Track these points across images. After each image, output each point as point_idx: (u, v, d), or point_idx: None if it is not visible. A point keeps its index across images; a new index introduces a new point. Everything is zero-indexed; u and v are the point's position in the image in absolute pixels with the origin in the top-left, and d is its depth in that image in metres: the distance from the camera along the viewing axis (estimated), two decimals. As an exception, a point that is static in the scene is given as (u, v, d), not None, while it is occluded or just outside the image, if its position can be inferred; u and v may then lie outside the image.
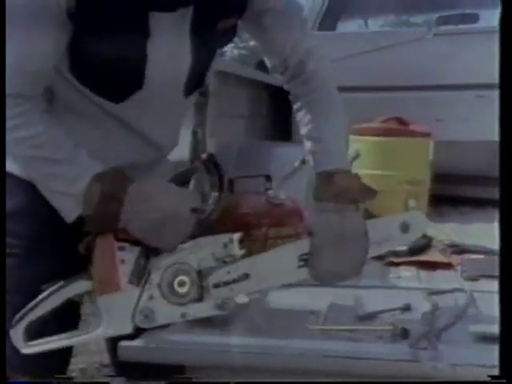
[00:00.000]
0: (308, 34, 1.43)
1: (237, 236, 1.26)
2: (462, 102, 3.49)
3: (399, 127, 3.21)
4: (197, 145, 2.29)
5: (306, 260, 1.28)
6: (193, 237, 1.24)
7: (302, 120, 1.38)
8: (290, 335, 1.27)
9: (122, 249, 1.20)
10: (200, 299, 1.25)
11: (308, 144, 1.36)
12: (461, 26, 4.04)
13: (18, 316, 1.19)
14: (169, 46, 1.18)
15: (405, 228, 1.35)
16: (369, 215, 2.45)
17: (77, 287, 1.21)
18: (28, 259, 1.29)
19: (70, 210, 1.18)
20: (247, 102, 3.23)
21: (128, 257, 1.20)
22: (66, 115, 1.25)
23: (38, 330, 1.21)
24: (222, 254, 1.24)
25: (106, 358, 1.65)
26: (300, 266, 1.28)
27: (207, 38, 1.23)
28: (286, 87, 1.44)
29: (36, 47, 1.14)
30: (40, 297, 1.19)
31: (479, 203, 3.34)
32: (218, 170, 1.28)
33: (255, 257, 1.28)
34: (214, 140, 2.42)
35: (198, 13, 1.18)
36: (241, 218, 1.66)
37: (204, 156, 1.28)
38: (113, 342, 1.34)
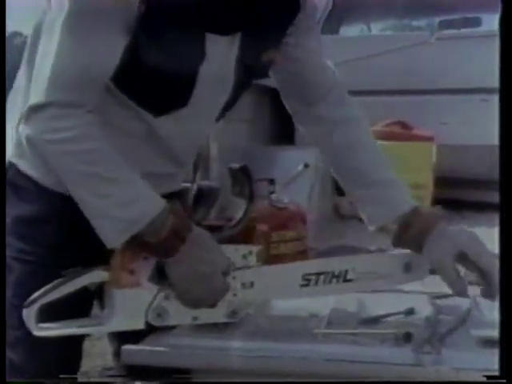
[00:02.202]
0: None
1: (256, 249, 1.27)
2: (465, 105, 3.49)
3: (402, 131, 3.22)
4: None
5: (309, 280, 1.29)
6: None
7: (347, 157, 1.37)
8: (294, 339, 1.27)
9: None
10: (212, 305, 1.25)
11: (371, 188, 1.35)
12: (463, 30, 4.05)
13: (32, 297, 1.18)
14: (218, 69, 1.20)
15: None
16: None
17: (94, 276, 1.21)
18: (43, 267, 1.29)
19: (116, 234, 1.13)
20: (250, 106, 3.23)
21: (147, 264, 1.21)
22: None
23: (50, 313, 1.21)
24: (240, 264, 1.26)
25: (108, 361, 1.65)
26: (302, 285, 1.29)
27: (249, 66, 1.24)
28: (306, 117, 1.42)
29: (103, 51, 1.09)
30: (56, 281, 1.19)
31: (482, 207, 3.34)
32: (249, 182, 1.29)
33: (262, 267, 1.29)
34: (217, 144, 2.42)
35: (246, 40, 1.20)
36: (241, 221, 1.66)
37: (236, 166, 1.29)
38: (118, 344, 1.34)
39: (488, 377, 1.06)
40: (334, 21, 3.84)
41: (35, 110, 1.09)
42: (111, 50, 1.10)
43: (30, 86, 1.20)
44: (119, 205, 1.10)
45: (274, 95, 3.48)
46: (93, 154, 1.09)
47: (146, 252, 1.17)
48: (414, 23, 6.70)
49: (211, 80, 1.19)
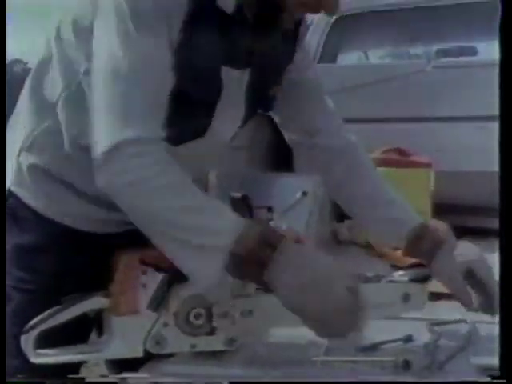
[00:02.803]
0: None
1: None
2: (462, 133, 3.52)
3: (400, 158, 3.23)
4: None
5: None
6: None
7: (355, 184, 1.39)
8: (292, 367, 1.26)
9: (144, 273, 1.21)
10: (211, 333, 1.25)
11: (377, 211, 1.37)
12: (460, 59, 4.09)
13: (30, 324, 1.18)
14: (232, 101, 1.22)
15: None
16: (370, 245, 2.46)
17: (93, 303, 1.21)
18: (42, 295, 1.28)
19: (213, 265, 1.08)
20: (248, 133, 3.25)
21: (150, 282, 1.21)
22: None
23: (48, 340, 1.20)
24: (240, 292, 1.26)
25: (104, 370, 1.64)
26: None
27: (257, 100, 1.27)
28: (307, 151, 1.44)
29: (164, 77, 1.09)
30: (55, 308, 1.19)
31: (481, 233, 3.34)
32: (249, 212, 1.30)
33: (261, 295, 1.29)
34: (216, 171, 2.43)
35: (254, 76, 1.22)
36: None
37: (237, 195, 1.29)
38: (116, 371, 1.33)
39: (488, 377, 1.06)
40: (331, 49, 3.88)
41: (110, 153, 1.05)
42: (169, 74, 1.10)
43: (32, 115, 1.21)
44: (214, 235, 1.07)
45: (271, 122, 3.52)
46: (177, 187, 1.07)
47: (245, 279, 1.13)
48: (412, 51, 6.76)
49: (227, 110, 1.22)
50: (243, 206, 1.30)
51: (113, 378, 1.31)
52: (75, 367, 1.32)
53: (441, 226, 1.38)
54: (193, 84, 1.13)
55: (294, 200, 2.64)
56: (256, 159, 3.37)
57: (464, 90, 3.46)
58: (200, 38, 1.10)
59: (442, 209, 3.38)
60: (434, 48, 5.11)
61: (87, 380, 1.30)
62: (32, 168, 1.24)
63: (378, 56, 6.39)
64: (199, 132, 1.21)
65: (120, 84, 1.05)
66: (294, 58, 1.32)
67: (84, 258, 1.23)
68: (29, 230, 1.27)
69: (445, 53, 4.61)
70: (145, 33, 1.05)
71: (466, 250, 1.34)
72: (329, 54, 3.87)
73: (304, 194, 2.86)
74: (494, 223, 3.72)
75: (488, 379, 1.13)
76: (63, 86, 1.20)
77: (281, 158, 3.57)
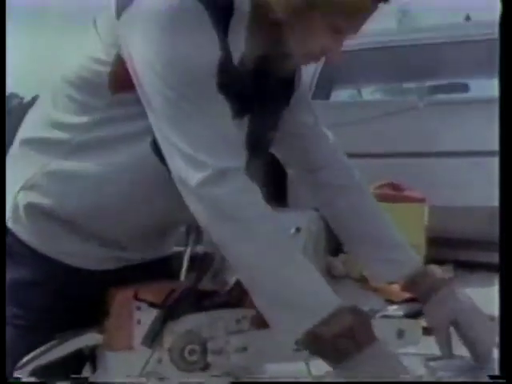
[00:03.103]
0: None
1: (250, 313, 1.27)
2: (456, 168, 3.55)
3: (394, 193, 3.26)
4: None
5: None
6: (206, 307, 1.24)
7: (356, 221, 1.40)
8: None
9: (139, 309, 1.21)
10: (205, 368, 1.25)
11: (379, 250, 1.37)
12: (452, 96, 4.15)
13: (24, 360, 1.17)
14: None
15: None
16: (365, 279, 2.46)
17: (88, 339, 1.20)
18: (36, 332, 1.28)
19: (294, 324, 1.07)
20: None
21: (144, 318, 1.20)
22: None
23: (42, 375, 1.19)
24: (234, 329, 1.26)
25: None
26: (296, 350, 1.28)
27: (255, 145, 1.29)
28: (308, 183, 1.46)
29: (226, 116, 1.12)
30: (50, 344, 1.18)
31: (475, 267, 3.36)
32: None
33: (255, 331, 1.29)
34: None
35: (252, 122, 1.24)
36: (236, 286, 1.66)
37: None
38: None
39: (488, 377, 1.05)
40: (325, 86, 3.92)
41: (210, 178, 1.07)
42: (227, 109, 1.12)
43: (39, 154, 1.21)
44: (305, 293, 1.06)
45: (265, 157, 3.54)
46: (272, 235, 1.07)
47: (318, 355, 1.10)
48: (405, 85, 6.84)
49: None
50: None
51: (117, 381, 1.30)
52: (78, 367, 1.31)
53: (439, 272, 1.39)
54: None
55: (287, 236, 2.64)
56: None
57: (456, 127, 3.50)
58: (208, 88, 1.10)
59: (435, 242, 3.39)
60: (427, 84, 5.18)
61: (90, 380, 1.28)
62: (29, 206, 1.25)
63: (370, 91, 6.46)
64: None
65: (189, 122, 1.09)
66: (290, 101, 1.34)
67: (78, 293, 1.22)
68: (23, 265, 1.27)
69: (436, 89, 4.67)
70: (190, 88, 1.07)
71: (457, 301, 1.35)
72: (322, 91, 3.91)
73: (297, 230, 2.87)
74: (487, 257, 3.74)
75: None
76: (74, 127, 1.21)
77: (275, 193, 3.59)
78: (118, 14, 1.12)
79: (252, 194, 1.12)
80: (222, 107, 1.11)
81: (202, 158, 1.07)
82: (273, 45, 1.14)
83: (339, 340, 1.05)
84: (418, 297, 1.35)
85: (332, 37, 1.11)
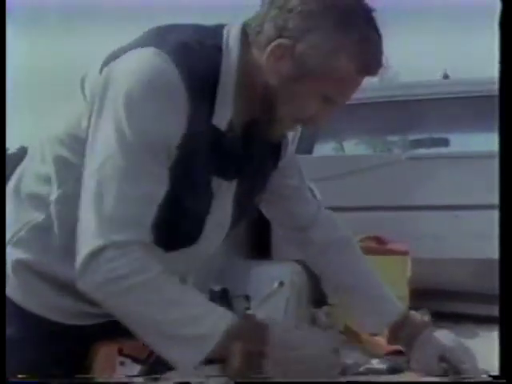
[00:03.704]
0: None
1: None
2: (438, 221, 3.59)
3: (377, 246, 3.28)
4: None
5: None
6: None
7: (338, 268, 1.44)
8: None
9: (123, 364, 1.20)
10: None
11: (364, 302, 1.41)
12: (433, 151, 4.22)
13: None
14: (221, 211, 1.26)
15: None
16: (349, 331, 2.46)
17: None
18: None
19: (192, 354, 1.09)
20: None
21: (128, 373, 1.20)
22: None
23: None
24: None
25: None
26: None
27: (242, 208, 1.31)
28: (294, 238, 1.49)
29: (155, 186, 1.12)
30: None
31: (459, 318, 3.36)
32: (228, 305, 1.30)
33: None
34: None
35: (241, 185, 1.27)
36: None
37: (217, 288, 1.30)
38: None
39: (488, 377, 1.05)
40: (307, 140, 3.98)
41: (93, 254, 1.08)
42: (161, 183, 1.13)
43: (21, 211, 1.21)
44: (188, 324, 1.08)
45: (253, 217, 3.55)
46: (154, 282, 1.08)
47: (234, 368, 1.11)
48: (388, 138, 6.94)
49: (218, 218, 1.25)
50: (223, 298, 1.31)
51: (120, 378, 1.28)
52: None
53: (418, 317, 1.41)
54: (186, 195, 1.16)
55: (271, 290, 2.65)
56: (234, 246, 3.39)
57: (437, 180, 3.55)
58: (195, 154, 1.14)
59: (419, 294, 3.40)
60: (409, 138, 5.25)
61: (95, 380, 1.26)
62: (15, 263, 1.25)
63: (353, 144, 6.54)
64: (192, 240, 1.24)
65: (112, 190, 1.09)
66: (278, 164, 1.37)
67: (63, 348, 1.22)
68: (10, 323, 1.26)
69: (418, 143, 4.75)
70: (144, 147, 1.08)
71: (442, 337, 1.37)
72: (305, 145, 3.95)
73: (281, 284, 2.87)
74: (471, 309, 3.75)
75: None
76: (58, 183, 1.22)
77: (259, 244, 3.59)
78: (101, 70, 1.15)
79: (141, 265, 1.10)
80: (153, 181, 1.11)
81: (103, 227, 1.08)
82: (262, 110, 1.16)
83: (248, 350, 1.08)
84: (403, 343, 1.37)
85: (321, 105, 1.14)
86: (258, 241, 3.61)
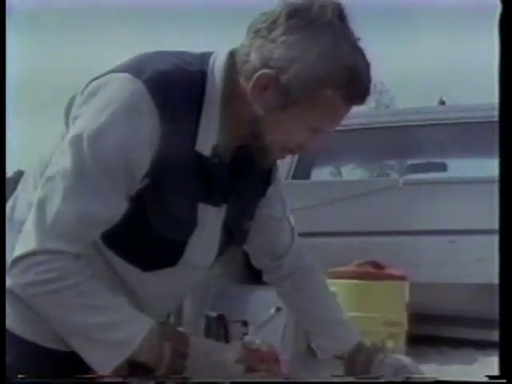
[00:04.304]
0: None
1: None
2: (435, 246, 3.59)
3: (374, 271, 3.27)
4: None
5: None
6: None
7: (306, 304, 1.47)
8: None
9: None
10: None
11: (327, 328, 1.44)
12: (430, 176, 4.23)
13: None
14: (207, 236, 1.26)
15: None
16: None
17: None
18: None
19: (109, 358, 1.12)
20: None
21: None
22: None
23: None
24: None
25: None
26: None
27: (231, 234, 1.31)
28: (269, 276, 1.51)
29: (106, 209, 1.12)
30: None
31: (457, 343, 3.35)
32: (225, 331, 1.31)
33: None
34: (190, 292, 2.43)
35: (230, 211, 1.27)
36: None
37: (213, 314, 1.30)
38: None
39: (488, 377, 1.05)
40: (305, 165, 3.98)
41: (22, 258, 1.11)
42: (114, 208, 1.13)
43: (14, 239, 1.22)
44: (108, 329, 1.11)
45: (244, 242, 3.54)
46: (78, 287, 1.11)
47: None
48: (385, 163, 6.95)
49: (201, 245, 1.25)
50: (219, 324, 1.31)
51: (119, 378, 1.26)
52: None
53: (373, 347, 1.44)
54: (164, 219, 1.16)
55: (268, 315, 2.63)
56: (231, 272, 3.38)
57: (435, 205, 3.56)
58: (175, 179, 1.14)
59: (417, 319, 3.39)
60: (406, 163, 5.27)
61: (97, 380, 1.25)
62: (7, 292, 1.24)
63: (351, 168, 6.54)
64: (170, 263, 1.24)
65: (55, 202, 1.10)
66: (266, 192, 1.36)
67: (59, 375, 1.21)
68: (8, 351, 1.25)
69: (415, 168, 4.76)
70: (98, 170, 1.08)
71: (394, 361, 1.40)
72: (302, 171, 3.96)
73: (278, 309, 2.86)
74: (470, 334, 3.71)
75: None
76: None
77: (256, 270, 3.58)
78: (82, 92, 1.15)
79: (67, 272, 1.12)
80: (99, 203, 1.11)
81: (39, 234, 1.10)
82: (249, 138, 1.16)
83: (169, 363, 1.12)
84: (359, 369, 1.40)
85: (308, 133, 1.13)
86: (255, 268, 3.60)
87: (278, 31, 1.10)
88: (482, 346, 3.15)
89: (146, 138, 1.08)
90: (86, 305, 1.12)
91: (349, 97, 1.10)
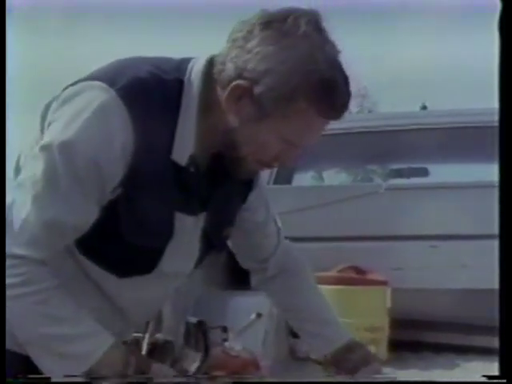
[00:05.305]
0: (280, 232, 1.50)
1: None
2: (416, 251, 3.60)
3: (356, 276, 3.28)
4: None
5: None
6: None
7: (292, 302, 1.46)
8: None
9: None
10: None
11: (309, 325, 1.43)
12: (411, 181, 4.25)
13: None
14: (185, 244, 1.24)
15: None
16: (326, 363, 2.44)
17: None
18: None
19: (65, 371, 1.11)
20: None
21: None
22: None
23: None
24: None
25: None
26: None
27: (211, 241, 1.30)
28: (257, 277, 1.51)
29: (66, 218, 1.10)
30: None
31: (440, 349, 3.36)
32: (205, 337, 1.29)
33: None
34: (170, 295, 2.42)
35: (209, 219, 1.26)
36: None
37: (193, 320, 1.29)
38: None
39: (488, 377, 1.04)
40: (286, 170, 3.98)
41: None
42: (83, 217, 1.12)
43: None
44: (65, 341, 1.10)
45: (223, 250, 3.53)
46: (42, 294, 1.10)
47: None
48: (368, 167, 6.97)
49: (177, 254, 1.24)
50: (199, 331, 1.30)
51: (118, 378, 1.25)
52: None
53: (364, 349, 1.42)
54: (141, 232, 1.16)
55: (248, 321, 2.63)
56: (213, 278, 3.36)
57: (416, 211, 3.57)
58: (150, 189, 1.13)
59: (399, 325, 3.40)
60: (388, 167, 5.29)
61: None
62: None
63: (333, 173, 6.56)
64: (146, 270, 1.23)
65: (25, 208, 1.09)
66: (247, 198, 1.35)
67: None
68: (7, 368, 1.24)
69: (397, 173, 4.78)
70: (68, 179, 1.07)
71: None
72: (284, 176, 3.96)
73: (258, 315, 2.85)
74: (450, 339, 3.73)
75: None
76: None
77: (238, 275, 3.57)
78: (60, 94, 1.14)
79: (28, 279, 1.11)
80: (68, 211, 1.10)
81: (10, 238, 1.09)
82: (225, 149, 1.14)
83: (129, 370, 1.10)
84: (344, 371, 1.39)
85: (283, 146, 1.11)
86: (236, 272, 3.59)
87: (254, 42, 1.08)
88: (463, 351, 3.15)
89: (118, 148, 1.07)
90: (45, 314, 1.10)
91: (324, 111, 1.07)
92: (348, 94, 1.09)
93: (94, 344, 1.11)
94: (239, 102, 1.09)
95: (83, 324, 1.12)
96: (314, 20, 1.07)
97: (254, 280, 1.52)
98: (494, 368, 1.08)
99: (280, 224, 1.46)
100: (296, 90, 1.05)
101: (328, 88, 1.06)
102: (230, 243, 1.46)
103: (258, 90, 1.07)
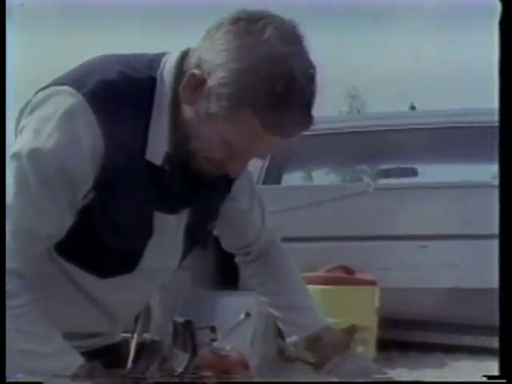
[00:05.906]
0: (267, 216, 1.49)
1: None
2: (405, 251, 3.60)
3: (344, 276, 3.28)
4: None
5: None
6: None
7: (271, 289, 1.45)
8: None
9: None
10: None
11: (286, 312, 1.43)
12: (400, 181, 4.26)
13: None
14: (167, 242, 1.24)
15: None
16: (315, 363, 2.44)
17: None
18: None
19: None
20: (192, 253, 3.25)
21: None
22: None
23: None
24: None
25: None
26: None
27: (196, 236, 1.29)
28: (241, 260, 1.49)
29: (38, 226, 1.09)
30: None
31: (429, 348, 3.37)
32: (192, 337, 1.29)
33: None
34: (158, 294, 2.41)
35: (192, 215, 1.25)
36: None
37: (180, 320, 1.28)
38: None
39: (488, 377, 1.04)
40: (275, 170, 3.98)
41: None
42: (56, 224, 1.11)
43: None
44: (32, 358, 1.09)
45: (216, 240, 3.53)
46: (13, 310, 1.08)
47: None
48: (357, 168, 6.98)
49: (159, 253, 1.23)
50: (186, 331, 1.29)
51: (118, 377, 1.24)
52: None
53: (337, 339, 1.41)
54: (118, 234, 1.15)
55: (237, 321, 2.62)
56: (201, 278, 3.36)
57: (405, 211, 3.58)
58: (126, 189, 1.12)
59: (387, 324, 3.40)
60: (377, 167, 5.30)
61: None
62: None
63: (322, 172, 6.56)
64: (126, 270, 1.22)
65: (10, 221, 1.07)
66: (231, 188, 1.33)
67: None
68: None
69: (386, 173, 4.79)
70: (38, 186, 1.06)
71: (354, 364, 1.39)
72: (273, 175, 3.95)
73: (247, 315, 2.85)
74: (438, 338, 3.74)
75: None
76: None
77: (226, 275, 3.56)
78: (31, 99, 1.13)
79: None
80: (39, 218, 1.09)
81: None
82: (179, 143, 1.11)
83: None
84: (315, 360, 1.38)
85: (228, 151, 1.08)
86: (224, 271, 3.58)
87: (218, 35, 1.04)
88: (452, 350, 3.16)
89: (86, 152, 1.06)
90: (18, 329, 1.09)
91: (272, 125, 1.01)
92: (303, 116, 1.03)
93: (60, 364, 1.10)
94: (194, 92, 1.05)
95: (52, 343, 1.12)
96: (283, 29, 1.02)
97: (236, 259, 1.51)
98: (483, 367, 1.08)
99: (267, 211, 1.44)
100: (243, 94, 1.00)
101: (277, 103, 0.99)
102: (216, 232, 1.45)
103: (210, 83, 1.04)
